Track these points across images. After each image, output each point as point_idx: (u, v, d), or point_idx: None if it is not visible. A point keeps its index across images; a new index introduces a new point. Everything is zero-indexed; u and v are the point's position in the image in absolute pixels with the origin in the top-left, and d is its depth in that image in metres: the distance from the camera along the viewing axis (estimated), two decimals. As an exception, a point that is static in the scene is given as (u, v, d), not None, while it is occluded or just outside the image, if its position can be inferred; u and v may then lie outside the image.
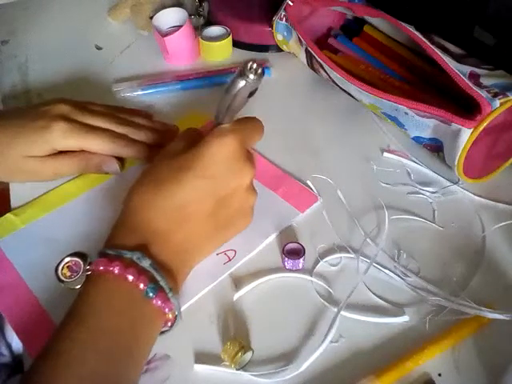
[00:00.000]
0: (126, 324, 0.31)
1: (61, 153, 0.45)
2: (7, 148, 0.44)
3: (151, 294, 0.32)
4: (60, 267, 0.35)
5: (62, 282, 0.34)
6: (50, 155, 0.45)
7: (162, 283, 0.32)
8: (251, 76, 0.36)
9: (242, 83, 0.37)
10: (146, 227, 0.34)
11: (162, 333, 0.35)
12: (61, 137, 0.44)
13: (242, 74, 0.37)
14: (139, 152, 0.47)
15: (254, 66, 0.37)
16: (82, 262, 0.35)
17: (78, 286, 0.33)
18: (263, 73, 0.37)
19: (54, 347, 0.30)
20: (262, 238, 0.42)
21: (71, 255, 0.35)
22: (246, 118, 0.40)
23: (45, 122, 0.44)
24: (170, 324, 0.34)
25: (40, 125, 0.44)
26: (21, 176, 0.46)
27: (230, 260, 0.41)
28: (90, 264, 0.33)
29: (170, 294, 0.33)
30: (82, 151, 0.46)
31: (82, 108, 0.47)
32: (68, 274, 0.35)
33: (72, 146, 0.45)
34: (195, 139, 0.38)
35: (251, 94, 0.38)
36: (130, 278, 0.31)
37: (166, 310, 0.33)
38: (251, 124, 0.40)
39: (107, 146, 0.46)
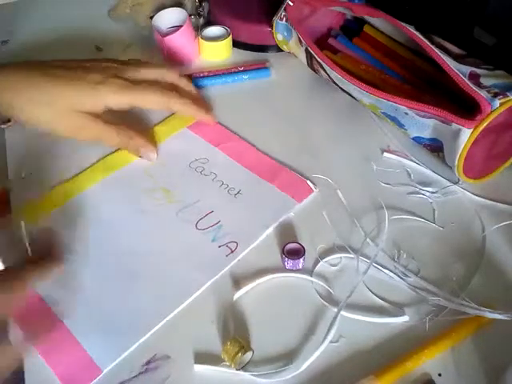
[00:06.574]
0: None
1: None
2: (57, 99, 0.42)
3: None
4: None
5: None
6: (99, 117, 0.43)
7: None
8: None
9: None
10: None
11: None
12: (115, 93, 0.43)
13: None
14: (194, 110, 0.47)
15: None
16: None
17: None
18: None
19: None
20: (263, 229, 0.42)
21: None
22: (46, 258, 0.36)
23: (100, 76, 0.42)
24: None
25: (94, 79, 0.42)
26: (63, 130, 0.44)
27: (232, 252, 0.41)
28: None
29: None
30: (128, 129, 0.45)
31: (129, 68, 0.46)
32: None
33: (124, 103, 0.44)
34: None
35: None
36: None
37: None
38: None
39: (161, 101, 0.45)
